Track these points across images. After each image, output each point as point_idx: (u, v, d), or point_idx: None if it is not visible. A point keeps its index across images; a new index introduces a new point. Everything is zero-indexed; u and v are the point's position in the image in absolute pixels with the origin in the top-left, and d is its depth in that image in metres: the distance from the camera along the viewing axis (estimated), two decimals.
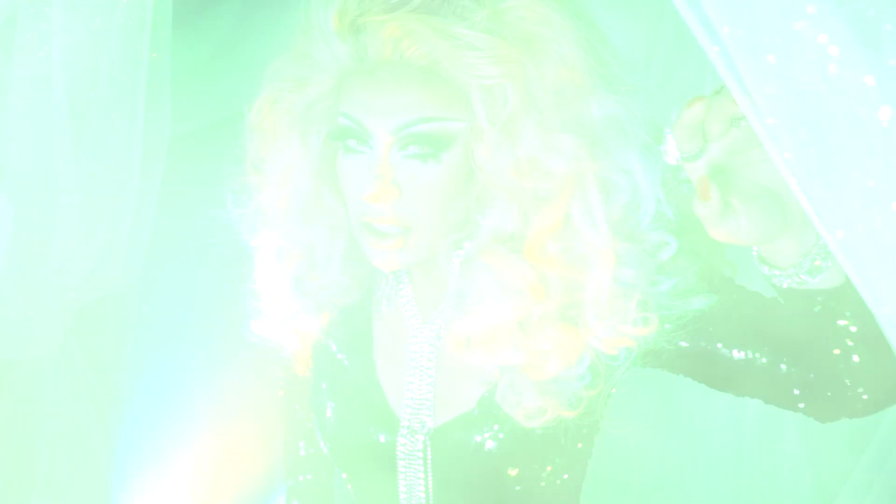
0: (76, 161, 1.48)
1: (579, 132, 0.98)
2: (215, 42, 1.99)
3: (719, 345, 1.08)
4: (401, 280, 1.24)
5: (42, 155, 1.45)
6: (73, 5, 1.29)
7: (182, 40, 1.62)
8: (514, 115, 0.97)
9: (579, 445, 1.20)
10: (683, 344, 1.09)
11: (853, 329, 0.98)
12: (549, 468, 1.17)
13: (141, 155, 1.56)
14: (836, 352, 1.00)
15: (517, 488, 1.16)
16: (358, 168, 1.06)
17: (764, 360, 1.06)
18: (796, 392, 1.04)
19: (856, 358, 0.99)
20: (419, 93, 1.00)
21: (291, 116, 1.13)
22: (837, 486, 1.80)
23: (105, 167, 1.53)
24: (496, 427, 1.15)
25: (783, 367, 1.05)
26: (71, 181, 1.49)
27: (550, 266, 1.02)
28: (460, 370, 1.19)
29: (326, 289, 1.22)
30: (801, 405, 1.06)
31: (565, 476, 1.19)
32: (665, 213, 1.04)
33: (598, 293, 1.01)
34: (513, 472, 1.15)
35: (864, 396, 1.01)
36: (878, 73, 0.41)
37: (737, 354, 1.07)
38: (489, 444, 1.15)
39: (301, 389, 1.54)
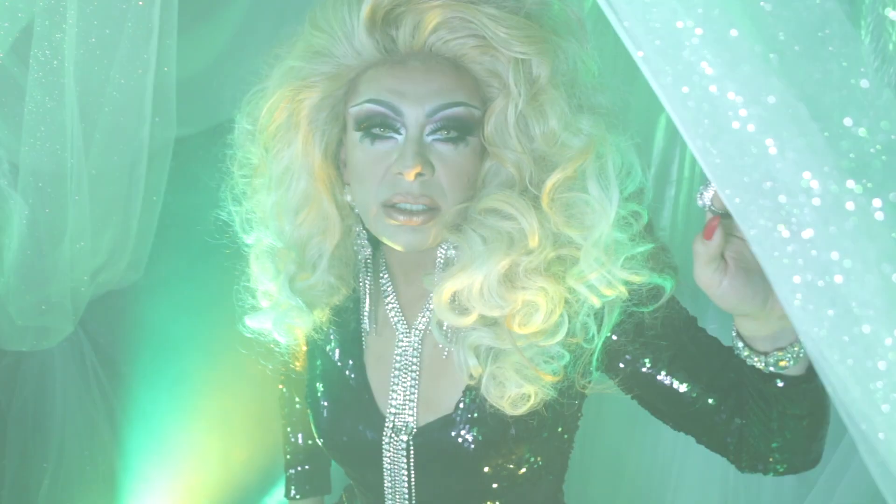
0: (87, 163, 1.55)
1: (593, 114, 1.09)
2: (218, 48, 2.01)
3: (663, 372, 1.13)
4: (385, 285, 1.29)
5: (54, 157, 1.52)
6: (85, 17, 1.36)
7: (185, 46, 1.66)
8: (542, 90, 1.08)
9: (556, 443, 1.24)
10: (628, 358, 1.14)
11: (804, 421, 1.04)
12: (525, 465, 1.21)
13: (147, 157, 1.63)
14: (775, 426, 1.06)
15: (494, 485, 1.22)
16: (384, 153, 1.11)
17: (710, 402, 1.12)
18: (728, 440, 1.12)
19: (788, 436, 1.06)
20: (449, 79, 1.09)
21: (297, 118, 1.17)
22: (816, 475, 1.88)
23: (114, 168, 1.60)
24: (474, 428, 1.20)
25: (724, 416, 1.11)
26: (82, 182, 1.56)
27: (556, 215, 1.09)
28: (442, 373, 1.24)
29: (315, 287, 1.26)
30: (730, 455, 1.13)
31: (543, 471, 1.24)
32: (644, 191, 1.13)
33: (597, 246, 1.07)
34: (490, 468, 1.20)
35: (781, 469, 1.10)
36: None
37: (680, 388, 1.12)
38: (468, 443, 1.20)
39: (300, 384, 1.60)
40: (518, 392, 1.13)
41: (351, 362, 1.32)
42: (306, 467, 1.65)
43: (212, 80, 2.00)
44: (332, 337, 1.34)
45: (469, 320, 1.13)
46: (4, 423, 1.95)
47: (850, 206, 0.47)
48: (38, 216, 1.59)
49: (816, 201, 0.48)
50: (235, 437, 2.12)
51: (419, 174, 1.08)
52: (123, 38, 1.43)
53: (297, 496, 1.64)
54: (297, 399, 1.65)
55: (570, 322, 1.12)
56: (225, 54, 2.03)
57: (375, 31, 1.08)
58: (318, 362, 1.37)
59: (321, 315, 1.31)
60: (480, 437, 1.19)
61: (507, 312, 1.11)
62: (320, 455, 1.66)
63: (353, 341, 1.33)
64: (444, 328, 1.21)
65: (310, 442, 1.65)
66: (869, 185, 0.46)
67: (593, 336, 1.13)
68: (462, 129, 1.10)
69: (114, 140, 1.56)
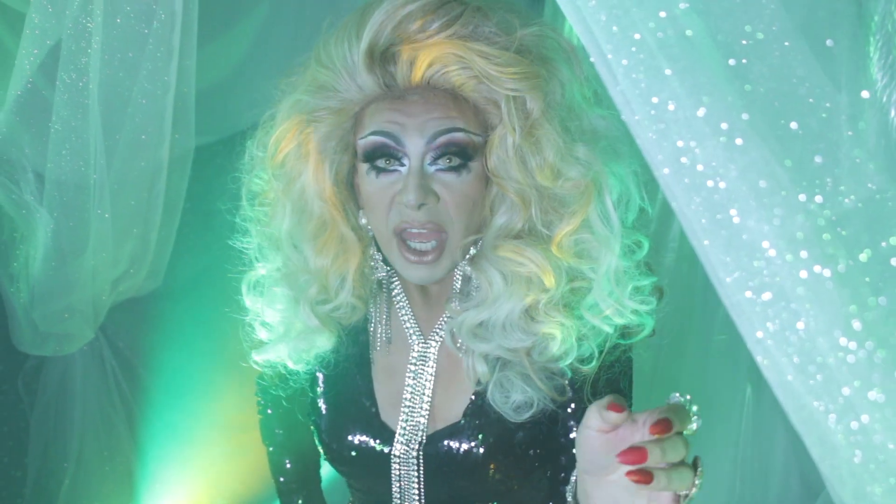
0: (109, 178, 1.62)
1: (589, 142, 1.14)
2: (235, 60, 2.08)
3: None
4: (400, 302, 1.33)
5: (79, 172, 1.59)
6: (109, 41, 1.43)
7: (203, 59, 1.71)
8: (537, 123, 1.13)
9: (558, 447, 1.28)
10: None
11: None
12: (530, 467, 1.27)
13: (167, 171, 1.70)
14: None
15: (501, 486, 1.28)
16: (390, 184, 1.16)
17: None
18: None
19: None
20: (447, 109, 1.13)
21: (307, 147, 1.22)
22: (820, 485, 1.92)
23: (134, 183, 1.67)
24: (481, 433, 1.26)
25: None
26: (104, 196, 1.63)
27: (567, 257, 1.15)
28: (452, 383, 1.30)
29: (339, 309, 1.30)
30: None
31: (547, 473, 1.30)
32: (646, 211, 1.20)
33: (607, 277, 1.14)
34: (497, 471, 1.27)
35: None
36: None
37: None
38: (475, 450, 1.26)
39: (283, 410, 1.54)
40: (522, 398, 1.20)
41: (358, 378, 1.35)
42: (301, 496, 1.61)
43: (229, 91, 2.07)
44: (337, 354, 1.36)
45: (489, 348, 1.19)
46: (27, 424, 2.03)
47: (803, 273, 0.53)
48: (62, 228, 1.67)
49: (775, 267, 0.54)
50: (250, 441, 2.14)
51: (423, 205, 1.13)
52: (145, 59, 1.50)
53: None
54: (279, 430, 1.60)
55: (579, 346, 1.18)
56: (242, 66, 2.10)
57: (375, 68, 1.13)
58: (322, 380, 1.40)
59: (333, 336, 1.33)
60: (488, 442, 1.25)
61: (528, 345, 1.18)
62: (312, 476, 1.64)
63: (360, 357, 1.36)
64: (458, 339, 1.26)
65: (298, 466, 1.61)
66: (820, 255, 0.52)
67: (593, 358, 1.18)
68: (463, 156, 1.14)
69: (135, 156, 1.63)
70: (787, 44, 0.57)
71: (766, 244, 0.53)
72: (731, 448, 2.17)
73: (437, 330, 1.30)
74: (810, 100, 0.53)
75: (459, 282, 1.25)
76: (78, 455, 2.07)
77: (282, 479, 1.62)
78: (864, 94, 0.53)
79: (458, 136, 1.13)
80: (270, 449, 1.62)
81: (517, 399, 1.20)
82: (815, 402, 0.60)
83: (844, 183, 0.52)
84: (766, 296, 0.54)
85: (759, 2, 0.57)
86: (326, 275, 1.27)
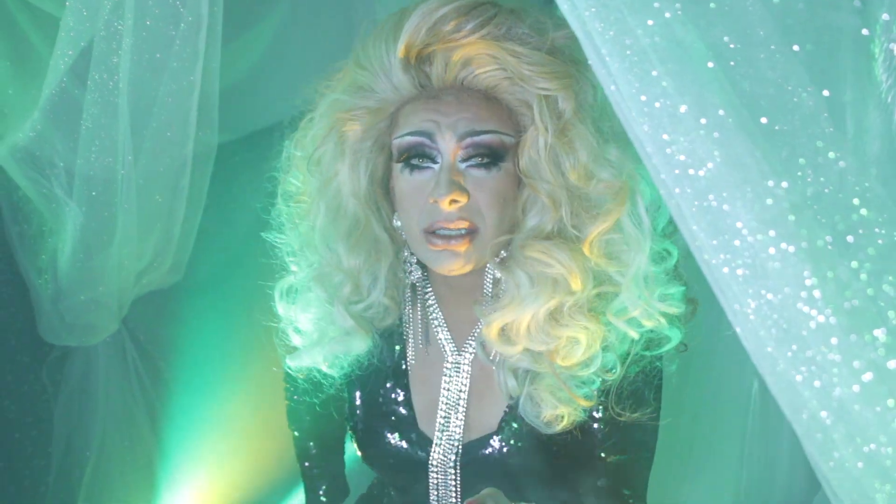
0: (135, 174, 1.69)
1: (620, 144, 1.17)
2: (255, 59, 2.16)
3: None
4: (433, 311, 1.36)
5: (107, 168, 1.67)
6: (139, 42, 1.51)
7: (224, 57, 1.75)
8: (569, 124, 1.17)
9: (587, 455, 1.35)
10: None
11: None
12: (563, 473, 1.34)
13: (191, 168, 1.77)
14: None
15: (537, 492, 1.34)
16: (423, 182, 1.21)
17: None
18: None
19: None
20: (480, 110, 1.19)
21: (343, 147, 1.27)
22: None
23: (160, 179, 1.75)
24: (516, 443, 1.31)
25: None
26: (131, 191, 1.71)
27: (597, 258, 1.19)
28: (487, 393, 1.34)
29: (370, 309, 1.35)
30: None
31: (578, 478, 1.36)
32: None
33: (636, 280, 1.18)
34: (529, 472, 1.32)
35: None
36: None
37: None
38: (511, 458, 1.32)
39: (308, 403, 1.56)
40: (552, 413, 1.24)
41: (397, 387, 1.39)
42: (325, 487, 1.66)
43: (248, 90, 2.15)
44: (372, 359, 1.40)
45: (515, 351, 1.23)
46: (51, 414, 2.10)
47: (771, 250, 0.61)
48: (90, 222, 1.74)
49: (748, 245, 0.62)
50: (269, 433, 2.19)
51: (454, 201, 1.17)
52: (171, 60, 1.57)
53: (324, 499, 1.65)
54: (306, 417, 1.63)
55: (604, 353, 1.23)
56: (260, 66, 2.17)
57: (410, 69, 1.19)
58: (358, 386, 1.44)
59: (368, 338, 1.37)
60: (523, 450, 1.31)
61: (552, 348, 1.22)
62: (337, 465, 1.69)
63: (396, 365, 1.40)
64: (490, 350, 1.30)
65: (324, 455, 1.66)
66: (785, 234, 0.61)
67: (616, 368, 1.24)
68: (494, 156, 1.19)
69: (161, 153, 1.70)
70: (760, 49, 0.65)
71: (739, 224, 0.62)
72: (737, 442, 2.21)
73: (470, 340, 1.34)
74: (778, 98, 0.62)
75: (490, 283, 1.29)
76: (100, 445, 2.13)
77: (307, 465, 1.66)
78: (825, 92, 0.61)
79: (488, 137, 1.18)
80: (296, 434, 1.67)
81: (547, 413, 1.24)
82: (793, 371, 0.69)
83: (806, 173, 0.61)
84: (741, 272, 0.63)
85: (738, 12, 0.65)
86: (359, 274, 1.31)
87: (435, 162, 1.20)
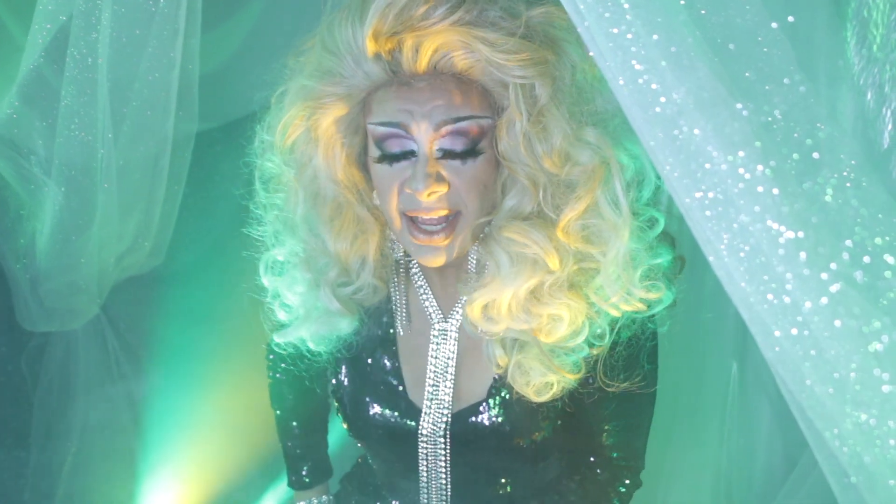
0: (115, 154, 1.67)
1: (599, 124, 1.15)
2: (235, 46, 2.14)
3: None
4: (419, 281, 1.35)
5: (86, 148, 1.64)
6: (117, 19, 1.50)
7: (205, 44, 1.75)
8: (545, 109, 1.14)
9: (576, 423, 1.35)
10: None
11: None
12: (548, 427, 1.33)
13: (171, 148, 1.75)
14: None
15: (526, 461, 1.35)
16: (401, 170, 1.18)
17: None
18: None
19: None
20: (454, 95, 1.14)
21: (316, 132, 1.23)
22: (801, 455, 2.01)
23: (140, 159, 1.73)
24: (505, 410, 1.31)
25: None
26: (110, 171, 1.69)
27: (574, 241, 1.17)
28: (475, 362, 1.33)
29: (360, 291, 1.33)
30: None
31: (566, 426, 1.35)
32: (662, 188, 1.21)
33: (615, 262, 1.16)
34: (520, 437, 1.32)
35: None
36: None
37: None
38: (501, 426, 1.31)
39: (293, 375, 1.57)
40: (542, 381, 1.23)
41: (385, 357, 1.38)
42: (309, 464, 1.66)
43: (229, 78, 2.12)
44: (361, 334, 1.39)
45: (498, 329, 1.22)
46: (30, 404, 2.09)
47: (741, 171, 0.62)
48: (69, 203, 1.72)
49: (719, 168, 0.64)
50: (252, 421, 2.18)
51: (433, 192, 1.15)
52: (151, 37, 1.55)
53: (307, 479, 1.67)
54: (288, 392, 1.65)
55: (590, 325, 1.22)
56: (242, 52, 2.15)
57: (380, 56, 1.14)
58: (347, 360, 1.42)
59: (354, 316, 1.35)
60: (512, 418, 1.30)
61: (534, 326, 1.21)
62: (319, 441, 1.70)
63: (384, 337, 1.39)
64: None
65: (306, 428, 1.67)
66: (753, 155, 0.62)
67: (605, 335, 1.22)
68: (471, 143, 1.16)
69: (140, 133, 1.68)
70: None
71: (710, 148, 0.63)
72: (717, 424, 2.24)
73: (457, 309, 1.33)
74: (747, 27, 0.63)
75: (475, 263, 1.28)
76: (80, 435, 2.12)
77: (289, 444, 1.66)
78: (790, 18, 0.63)
79: (465, 124, 1.14)
80: (278, 412, 1.66)
81: (536, 381, 1.23)
82: (741, 280, 0.69)
83: (773, 95, 0.62)
84: (712, 195, 0.64)
85: None
86: (347, 257, 1.29)
87: (412, 153, 1.17)
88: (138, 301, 2.24)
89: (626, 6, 0.65)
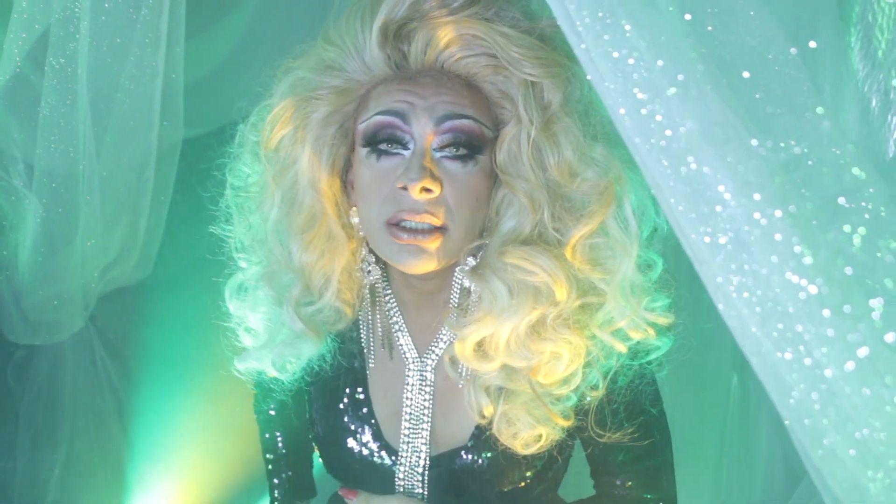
0: (98, 165, 1.61)
1: (608, 144, 1.08)
2: (225, 51, 2.09)
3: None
4: (394, 316, 1.25)
5: (67, 159, 1.58)
6: (97, 27, 1.43)
7: (194, 49, 1.71)
8: (555, 116, 1.07)
9: (557, 466, 1.27)
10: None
11: None
12: (532, 476, 1.23)
13: (156, 159, 1.69)
14: None
15: (506, 494, 1.24)
16: (390, 169, 1.09)
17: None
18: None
19: None
20: (459, 96, 1.08)
21: (304, 132, 1.15)
22: (804, 471, 1.95)
23: (123, 170, 1.67)
24: (488, 457, 1.21)
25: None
26: (93, 183, 1.63)
27: (581, 263, 1.09)
28: (455, 406, 1.23)
29: (321, 312, 1.23)
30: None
31: (549, 476, 1.27)
32: (661, 228, 1.14)
33: (623, 284, 1.08)
34: (503, 485, 1.23)
35: None
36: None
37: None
38: (481, 470, 1.21)
39: (271, 391, 1.46)
40: (531, 433, 1.14)
41: (358, 393, 1.28)
42: (289, 473, 1.57)
43: (219, 83, 2.07)
44: (328, 362, 1.29)
45: (492, 367, 1.12)
46: (17, 414, 2.02)
47: (756, 215, 0.55)
48: (51, 215, 1.66)
49: (731, 211, 0.56)
50: (241, 431, 2.12)
51: (425, 189, 1.06)
52: (133, 46, 1.49)
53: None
54: (271, 404, 1.56)
55: (586, 372, 1.13)
56: (233, 57, 2.10)
57: (387, 46, 1.08)
58: (317, 394, 1.33)
59: (319, 342, 1.26)
60: (494, 462, 1.20)
61: (534, 364, 1.11)
62: (304, 458, 1.60)
63: (356, 371, 1.29)
64: (459, 366, 1.19)
65: (290, 445, 1.57)
66: (770, 198, 0.54)
67: (598, 385, 1.14)
68: (471, 147, 1.08)
69: (124, 143, 1.62)
70: (737, 9, 0.59)
71: (721, 188, 0.56)
72: (717, 436, 2.18)
73: (433, 348, 1.24)
74: (762, 50, 0.55)
75: (457, 295, 1.18)
76: (68, 445, 2.07)
77: (269, 457, 1.57)
78: (812, 44, 0.55)
79: (468, 123, 1.08)
80: (261, 426, 1.58)
81: (525, 434, 1.14)
82: (775, 348, 0.62)
83: (793, 130, 0.55)
84: (723, 240, 0.57)
85: None
86: (310, 273, 1.20)
87: (406, 148, 1.09)
88: (127, 310, 2.20)
89: (628, 27, 0.57)
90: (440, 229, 1.09)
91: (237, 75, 2.07)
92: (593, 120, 1.09)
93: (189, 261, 2.16)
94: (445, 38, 1.06)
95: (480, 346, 1.13)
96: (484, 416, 1.17)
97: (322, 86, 1.13)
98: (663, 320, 1.13)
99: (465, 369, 1.19)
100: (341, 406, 1.29)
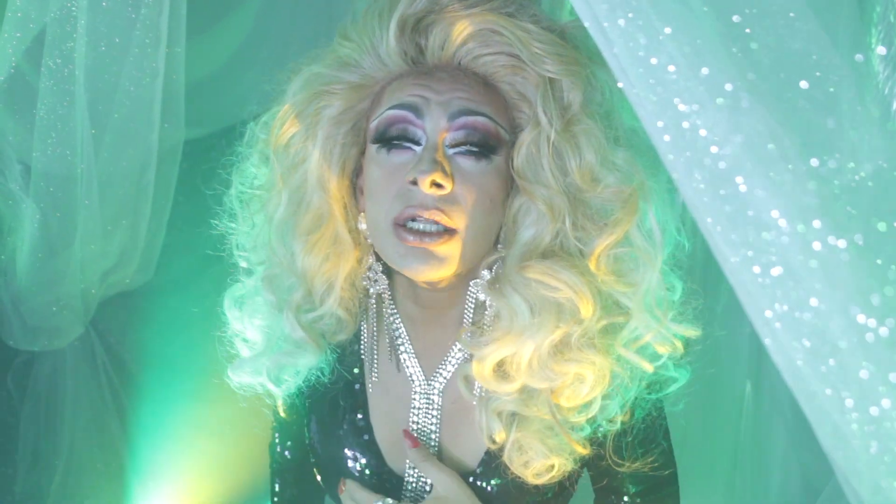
0: (96, 167, 1.57)
1: (630, 150, 1.04)
2: (229, 50, 2.04)
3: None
4: (399, 333, 1.18)
5: (65, 162, 1.54)
6: (95, 26, 1.38)
7: (197, 49, 1.68)
8: (576, 118, 1.02)
9: (573, 485, 1.21)
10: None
11: None
12: (542, 499, 1.17)
13: (156, 161, 1.64)
14: None
15: None
16: (400, 164, 1.04)
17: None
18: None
19: None
20: (476, 93, 1.04)
21: (315, 130, 1.11)
22: (822, 482, 1.89)
23: (123, 173, 1.62)
24: (497, 481, 1.14)
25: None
26: (92, 186, 1.58)
27: (605, 274, 1.03)
28: (463, 431, 1.17)
29: (322, 320, 1.18)
30: None
31: (559, 498, 1.21)
32: (683, 246, 1.10)
33: (648, 295, 1.03)
34: None
35: None
36: None
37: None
38: (491, 495, 1.15)
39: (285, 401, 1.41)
40: (543, 463, 1.09)
41: (356, 414, 1.22)
42: (295, 492, 1.49)
43: (223, 82, 2.04)
44: (327, 375, 1.23)
45: (513, 388, 1.06)
46: (17, 420, 1.98)
47: (816, 245, 0.48)
48: (49, 219, 1.62)
49: (785, 239, 0.49)
50: (243, 438, 2.12)
51: (435, 184, 1.01)
52: (132, 45, 1.44)
53: None
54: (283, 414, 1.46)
55: (605, 403, 1.08)
56: (236, 56, 2.07)
57: (403, 39, 1.05)
58: (316, 419, 1.27)
59: (318, 353, 1.20)
60: (502, 494, 1.15)
61: (556, 386, 1.05)
62: (310, 475, 1.49)
63: (356, 395, 1.23)
64: (475, 386, 1.13)
65: (298, 456, 1.47)
66: (834, 225, 0.48)
67: (615, 415, 1.09)
68: (485, 145, 1.04)
69: (123, 145, 1.58)
70: (791, 11, 0.52)
71: (775, 214, 0.49)
72: (729, 446, 2.12)
73: (441, 370, 1.17)
74: (823, 57, 0.48)
75: (472, 311, 1.13)
76: (69, 451, 2.03)
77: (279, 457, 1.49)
78: (881, 50, 0.48)
79: (482, 120, 1.03)
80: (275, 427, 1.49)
81: (537, 463, 1.09)
82: (827, 388, 0.56)
83: (860, 147, 0.48)
84: (776, 271, 0.50)
85: None
86: (312, 277, 1.15)
87: (417, 143, 1.04)
88: (129, 312, 2.16)
89: (667, 31, 0.50)
90: (450, 232, 1.03)
91: (240, 75, 2.06)
92: (615, 123, 1.04)
93: (192, 263, 2.14)
94: (464, 32, 1.03)
95: (500, 367, 1.07)
96: (495, 442, 1.11)
97: (336, 80, 1.09)
98: (692, 332, 1.08)
99: (479, 389, 1.13)
100: (341, 433, 1.22)
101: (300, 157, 1.13)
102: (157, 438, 2.19)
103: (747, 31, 0.50)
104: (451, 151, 1.03)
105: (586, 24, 0.61)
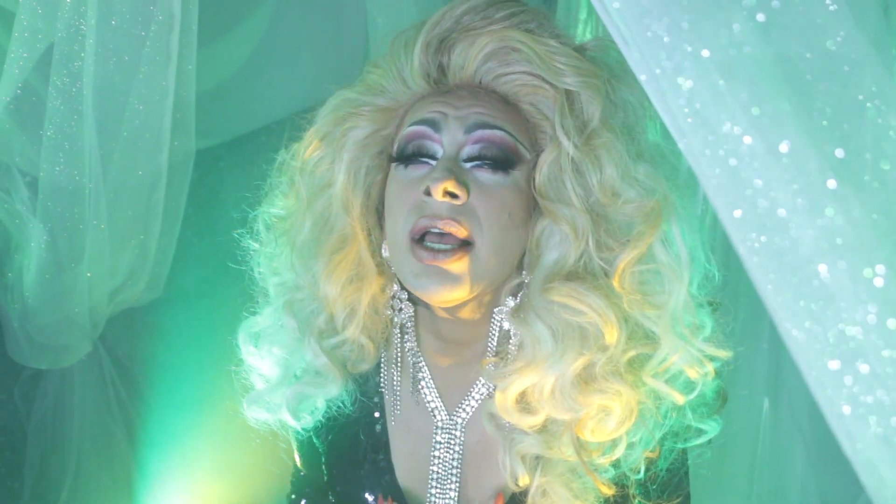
0: (105, 186, 1.54)
1: (652, 163, 1.02)
2: (239, 61, 2.00)
3: None
4: (421, 367, 1.16)
5: (73, 180, 1.52)
6: (103, 44, 1.35)
7: (207, 60, 1.65)
8: (595, 132, 1.01)
9: None
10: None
11: None
12: None
13: (167, 177, 1.61)
14: None
15: None
16: (417, 178, 1.03)
17: None
18: None
19: None
20: (495, 110, 1.04)
21: (342, 153, 1.10)
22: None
23: (132, 191, 1.59)
24: None
25: None
26: (100, 205, 1.55)
27: (630, 293, 1.00)
28: (486, 471, 1.14)
29: (343, 347, 1.15)
30: None
31: None
32: (713, 276, 1.06)
33: (675, 316, 0.99)
34: None
35: None
36: None
37: None
38: None
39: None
40: None
41: (375, 449, 1.19)
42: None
43: (233, 93, 2.01)
44: (346, 413, 1.19)
45: (536, 421, 1.03)
46: (24, 434, 1.98)
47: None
48: (57, 238, 1.60)
49: (872, 335, 0.44)
50: (251, 453, 2.09)
51: (448, 192, 0.99)
52: (142, 63, 1.42)
53: None
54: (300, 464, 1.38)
55: (629, 452, 1.04)
56: (246, 67, 2.03)
57: (426, 60, 1.06)
58: (335, 457, 1.22)
59: (341, 381, 1.16)
60: None
61: (581, 417, 1.02)
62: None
63: (377, 436, 1.19)
64: (501, 421, 1.09)
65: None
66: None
67: (639, 462, 1.05)
68: (503, 160, 1.03)
69: (132, 164, 1.55)
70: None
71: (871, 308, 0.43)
72: (746, 464, 2.06)
73: (464, 405, 1.13)
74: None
75: (496, 339, 1.09)
76: (76, 465, 2.02)
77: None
78: None
79: (500, 134, 1.02)
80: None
81: None
82: None
83: None
84: (864, 368, 0.44)
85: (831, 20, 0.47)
86: (335, 301, 1.12)
87: (434, 158, 1.04)
88: (138, 326, 2.12)
89: (744, 97, 0.44)
90: (465, 247, 1.01)
91: (250, 86, 2.05)
92: (638, 138, 1.03)
93: (201, 275, 2.14)
94: (484, 50, 1.04)
95: (523, 397, 1.04)
96: (518, 485, 1.08)
97: (363, 104, 1.10)
98: (723, 353, 1.05)
99: (504, 426, 1.09)
100: (362, 473, 1.19)
101: (326, 180, 1.12)
102: (164, 452, 2.16)
103: (832, 93, 0.44)
104: (468, 165, 1.03)
105: (643, 77, 0.55)
